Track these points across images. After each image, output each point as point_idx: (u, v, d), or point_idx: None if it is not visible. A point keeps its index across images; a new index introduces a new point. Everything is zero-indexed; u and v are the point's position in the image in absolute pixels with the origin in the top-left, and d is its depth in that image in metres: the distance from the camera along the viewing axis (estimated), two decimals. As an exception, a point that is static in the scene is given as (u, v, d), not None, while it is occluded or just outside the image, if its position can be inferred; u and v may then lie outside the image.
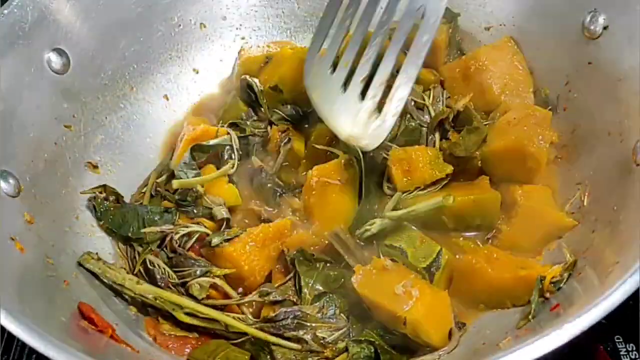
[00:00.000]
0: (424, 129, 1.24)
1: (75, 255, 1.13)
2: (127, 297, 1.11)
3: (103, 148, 1.31)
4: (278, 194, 1.25)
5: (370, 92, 1.14)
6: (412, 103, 1.27)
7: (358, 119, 1.14)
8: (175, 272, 1.13)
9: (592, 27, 1.16)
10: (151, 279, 1.13)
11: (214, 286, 1.11)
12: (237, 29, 1.51)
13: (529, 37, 1.33)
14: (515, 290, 1.05)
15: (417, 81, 1.26)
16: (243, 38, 1.52)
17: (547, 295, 1.00)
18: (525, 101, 1.28)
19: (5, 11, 1.12)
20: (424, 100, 1.28)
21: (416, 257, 1.11)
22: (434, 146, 1.22)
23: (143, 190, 1.30)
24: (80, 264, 1.11)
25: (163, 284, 1.11)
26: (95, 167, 1.28)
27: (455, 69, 1.35)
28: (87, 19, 1.26)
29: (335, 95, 1.17)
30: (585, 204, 1.11)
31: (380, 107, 1.14)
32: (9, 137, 1.09)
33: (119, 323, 1.05)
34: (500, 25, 1.38)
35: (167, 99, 1.45)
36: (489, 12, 1.39)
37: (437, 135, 1.24)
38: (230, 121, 1.35)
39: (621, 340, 1.12)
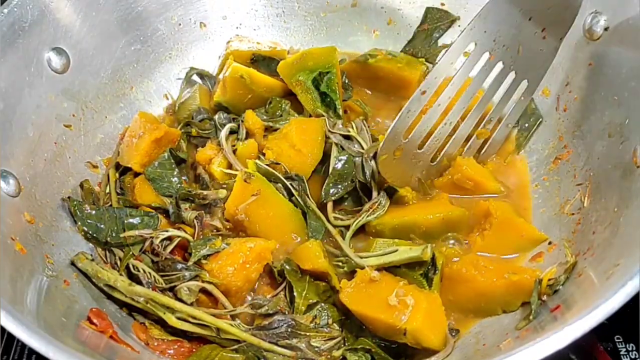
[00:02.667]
0: (357, 159, 1.23)
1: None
2: (117, 299, 1.08)
3: (103, 148, 1.31)
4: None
5: None
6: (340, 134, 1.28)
7: None
8: (162, 276, 1.10)
9: (593, 28, 1.17)
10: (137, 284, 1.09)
11: (203, 291, 1.09)
12: (237, 28, 1.51)
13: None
14: (507, 295, 1.05)
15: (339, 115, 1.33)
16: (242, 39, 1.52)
17: (544, 297, 1.01)
18: None
19: (5, 10, 1.12)
20: (349, 132, 1.28)
21: (410, 265, 1.10)
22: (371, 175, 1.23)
23: (107, 191, 1.27)
24: (73, 264, 1.10)
25: (150, 289, 1.08)
26: (95, 167, 1.28)
27: None
28: (87, 18, 1.26)
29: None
30: (585, 205, 1.11)
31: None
32: (8, 137, 1.09)
33: (119, 323, 1.05)
34: (501, 25, 1.38)
35: (167, 99, 1.45)
36: (489, 12, 1.39)
37: (372, 163, 1.22)
38: (185, 119, 1.36)
39: (621, 340, 1.12)
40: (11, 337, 1.16)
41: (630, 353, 1.11)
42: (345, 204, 1.25)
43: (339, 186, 1.22)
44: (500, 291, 1.04)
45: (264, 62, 1.43)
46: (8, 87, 1.10)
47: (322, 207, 1.22)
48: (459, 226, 1.18)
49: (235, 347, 1.04)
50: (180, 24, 1.45)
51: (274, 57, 1.42)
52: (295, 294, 1.08)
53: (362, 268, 1.08)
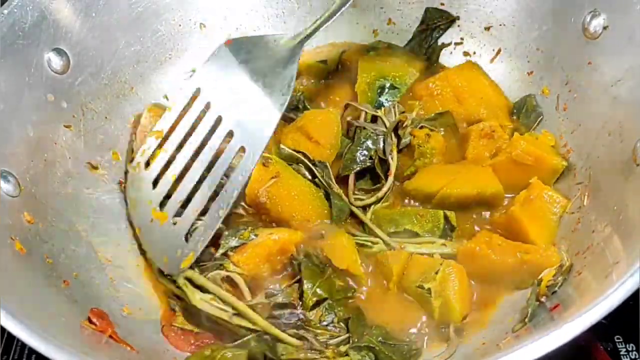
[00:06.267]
0: (380, 136, 1.26)
1: (76, 255, 1.13)
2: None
3: (103, 148, 1.31)
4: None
5: (183, 218, 1.15)
6: (364, 114, 1.30)
7: (169, 244, 1.15)
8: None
9: (592, 27, 1.17)
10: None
11: (229, 282, 1.11)
12: (237, 29, 1.51)
13: (529, 37, 1.33)
14: (519, 274, 1.07)
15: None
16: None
17: (543, 299, 1.01)
18: (499, 117, 1.31)
19: (5, 11, 1.12)
20: (377, 112, 1.30)
21: (427, 229, 1.16)
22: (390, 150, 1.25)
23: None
24: None
25: None
26: (95, 167, 1.28)
27: (428, 87, 1.36)
28: (87, 19, 1.26)
29: (151, 213, 1.18)
30: (585, 203, 1.11)
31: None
32: (8, 137, 1.09)
33: (119, 324, 1.05)
34: (500, 25, 1.38)
35: (167, 99, 1.44)
36: (489, 12, 1.39)
37: (394, 139, 1.26)
38: None
39: (621, 340, 1.12)
40: (11, 337, 1.16)
41: (630, 353, 1.10)
42: (364, 185, 1.26)
43: (359, 160, 1.24)
44: (513, 270, 1.07)
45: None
46: (8, 87, 1.10)
47: (342, 184, 1.23)
48: (493, 202, 1.19)
49: (239, 342, 1.05)
50: (180, 25, 1.45)
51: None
52: (304, 288, 1.08)
53: (393, 249, 1.14)
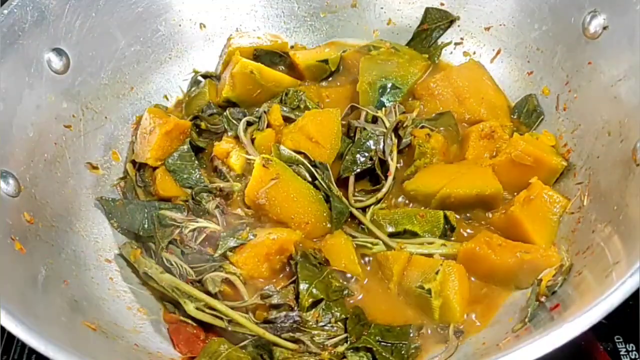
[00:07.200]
0: (380, 137, 1.25)
1: (76, 255, 1.13)
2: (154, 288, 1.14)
3: (103, 148, 1.31)
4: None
5: None
6: (364, 114, 1.30)
7: None
8: (192, 268, 1.12)
9: (592, 27, 1.16)
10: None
11: (228, 283, 1.10)
12: (236, 29, 1.51)
13: (529, 37, 1.33)
14: (519, 274, 1.07)
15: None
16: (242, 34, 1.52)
17: (543, 299, 1.01)
18: (499, 117, 1.30)
19: (5, 11, 1.12)
20: (377, 112, 1.29)
21: (427, 230, 1.16)
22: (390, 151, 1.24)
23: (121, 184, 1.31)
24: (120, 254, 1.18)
25: (183, 281, 1.11)
26: (95, 167, 1.28)
27: (429, 87, 1.36)
28: (87, 19, 1.26)
29: None
30: (585, 203, 1.11)
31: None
32: (8, 137, 1.09)
33: (117, 322, 1.06)
34: (500, 25, 1.38)
35: (167, 99, 1.45)
36: (489, 12, 1.39)
37: (394, 139, 1.25)
38: (194, 114, 1.36)
39: (621, 340, 1.12)
40: (11, 337, 1.16)
41: (630, 353, 1.10)
42: (363, 186, 1.26)
43: (359, 161, 1.24)
44: (513, 270, 1.07)
45: (267, 56, 1.43)
46: (8, 87, 1.10)
47: (341, 186, 1.23)
48: (492, 202, 1.19)
49: (242, 344, 1.05)
50: (180, 25, 1.45)
51: (276, 51, 1.44)
52: (299, 288, 1.08)
53: (393, 249, 1.14)
